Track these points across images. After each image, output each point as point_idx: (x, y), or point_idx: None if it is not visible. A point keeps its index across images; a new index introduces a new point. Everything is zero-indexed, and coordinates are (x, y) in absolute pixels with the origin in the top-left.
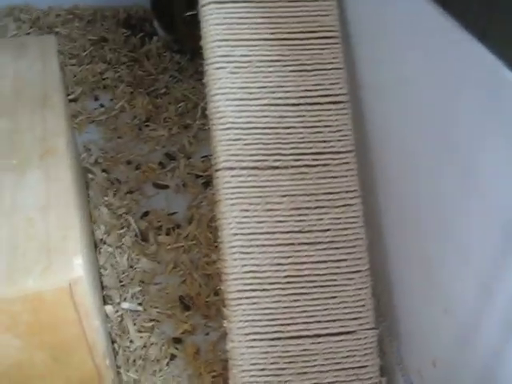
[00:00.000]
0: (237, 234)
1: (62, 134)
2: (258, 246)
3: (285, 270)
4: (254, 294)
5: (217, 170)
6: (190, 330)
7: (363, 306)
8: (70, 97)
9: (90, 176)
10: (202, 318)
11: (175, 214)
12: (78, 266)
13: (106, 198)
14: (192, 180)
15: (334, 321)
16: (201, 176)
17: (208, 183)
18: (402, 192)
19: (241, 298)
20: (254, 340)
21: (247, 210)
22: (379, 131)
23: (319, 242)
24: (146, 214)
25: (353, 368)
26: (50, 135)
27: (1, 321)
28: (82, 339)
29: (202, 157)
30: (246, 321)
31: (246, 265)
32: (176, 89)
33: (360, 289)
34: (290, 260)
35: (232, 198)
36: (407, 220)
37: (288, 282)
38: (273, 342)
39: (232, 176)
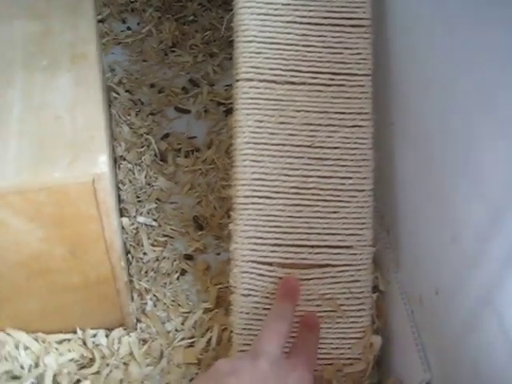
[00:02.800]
0: (249, 143)
1: (93, 41)
2: (268, 155)
3: (292, 182)
4: (260, 200)
5: (237, 81)
6: (202, 249)
7: (363, 223)
8: (98, 17)
9: (114, 95)
10: (214, 239)
11: (195, 138)
12: (102, 164)
13: (128, 117)
14: (214, 107)
15: (333, 234)
16: (223, 104)
17: (229, 111)
18: (417, 119)
19: (247, 204)
20: (256, 244)
21: (261, 121)
22: (401, 58)
23: (327, 158)
24: (166, 135)
25: (346, 282)
26: (81, 41)
27: (26, 210)
28: (100, 237)
29: (226, 85)
30: (251, 225)
31: (255, 172)
32: (204, 17)
33: (361, 207)
34: (297, 172)
35: (248, 108)
36: (420, 147)
37: (294, 193)
38: (273, 248)
39: (250, 87)
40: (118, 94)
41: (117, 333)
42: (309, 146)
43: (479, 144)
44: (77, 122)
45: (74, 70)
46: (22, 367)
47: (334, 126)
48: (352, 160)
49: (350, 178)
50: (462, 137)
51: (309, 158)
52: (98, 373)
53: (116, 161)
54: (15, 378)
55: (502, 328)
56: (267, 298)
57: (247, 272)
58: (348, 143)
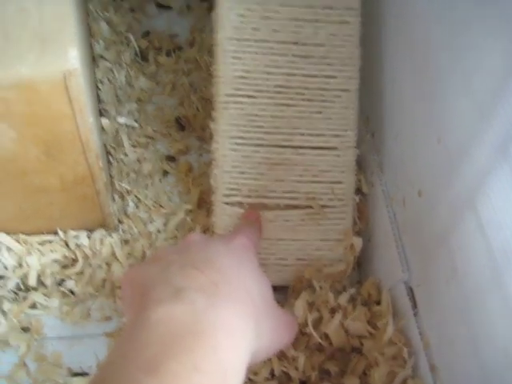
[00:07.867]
0: (231, 39)
1: None
2: (250, 52)
3: (275, 80)
4: (242, 99)
5: None
6: (184, 150)
7: (347, 124)
8: None
9: None
10: (196, 140)
11: (177, 36)
12: (73, 59)
13: (106, 14)
14: (196, 3)
15: (317, 135)
16: (206, 0)
17: (212, 7)
18: (411, 17)
19: (229, 103)
20: (238, 144)
21: (244, 16)
22: None
23: (312, 56)
24: (146, 33)
25: (330, 182)
26: None
27: None
28: (75, 136)
29: None
30: (233, 124)
31: (237, 70)
32: None
33: (346, 108)
34: (281, 70)
35: (230, 2)
36: (412, 46)
37: (277, 92)
38: (255, 148)
39: None
40: None
41: (98, 234)
42: (293, 43)
43: (472, 42)
44: (44, 13)
45: None
46: (6, 267)
47: (320, 21)
48: (338, 58)
49: (336, 77)
50: (455, 34)
51: (293, 55)
52: (81, 273)
53: (94, 59)
54: None
55: (481, 230)
56: (249, 197)
57: (228, 172)
58: (335, 40)
